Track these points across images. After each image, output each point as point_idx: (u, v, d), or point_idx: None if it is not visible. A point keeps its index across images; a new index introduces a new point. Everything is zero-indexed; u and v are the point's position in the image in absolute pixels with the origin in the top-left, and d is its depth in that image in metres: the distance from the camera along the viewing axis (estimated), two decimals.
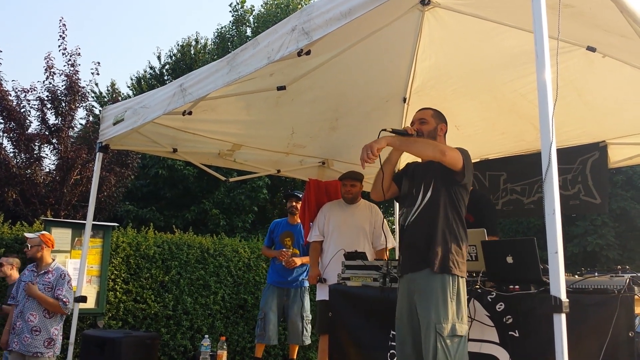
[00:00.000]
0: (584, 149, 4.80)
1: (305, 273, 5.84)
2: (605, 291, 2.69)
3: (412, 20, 3.92)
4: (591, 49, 3.46)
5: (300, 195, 5.89)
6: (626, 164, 4.96)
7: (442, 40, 4.07)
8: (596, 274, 2.93)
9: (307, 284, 5.82)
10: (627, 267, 3.10)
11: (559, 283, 1.99)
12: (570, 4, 2.69)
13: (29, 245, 4.88)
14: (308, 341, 5.75)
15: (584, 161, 4.78)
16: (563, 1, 2.28)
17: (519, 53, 3.89)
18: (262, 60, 3.01)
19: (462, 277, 2.86)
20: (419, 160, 3.26)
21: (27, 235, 5.00)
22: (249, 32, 18.02)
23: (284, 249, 5.72)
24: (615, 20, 2.79)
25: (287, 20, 2.92)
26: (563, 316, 1.97)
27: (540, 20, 2.12)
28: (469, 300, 3.01)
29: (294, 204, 5.87)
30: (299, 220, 5.91)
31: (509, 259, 2.90)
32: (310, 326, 5.77)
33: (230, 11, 18.32)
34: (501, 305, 2.89)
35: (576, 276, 2.96)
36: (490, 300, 2.95)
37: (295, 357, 5.84)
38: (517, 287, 2.87)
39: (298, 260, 5.67)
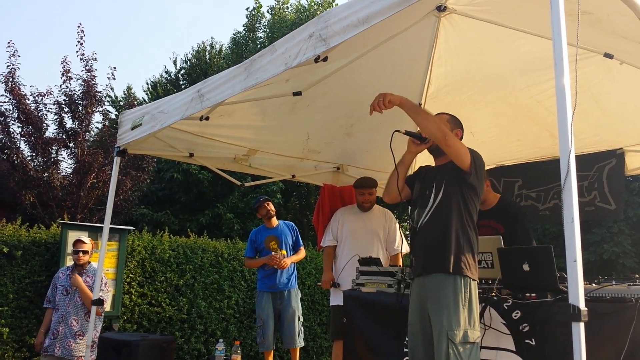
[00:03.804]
0: (600, 156, 4.77)
1: (295, 273, 5.90)
2: (623, 300, 2.67)
3: (428, 27, 3.92)
4: (608, 55, 3.44)
5: (266, 197, 5.97)
6: None
7: (458, 46, 4.07)
8: (613, 282, 2.90)
9: (297, 284, 5.88)
10: None
11: (578, 291, 1.98)
12: (588, 10, 2.68)
13: (84, 251, 5.02)
14: (302, 343, 5.71)
15: (600, 168, 4.74)
16: (581, 8, 2.28)
17: (535, 59, 3.88)
18: (279, 66, 3.03)
19: (473, 280, 2.85)
20: (432, 164, 3.28)
21: (82, 239, 5.10)
22: (261, 36, 18.08)
23: (273, 253, 5.69)
24: (633, 27, 2.78)
25: (305, 27, 2.93)
26: (581, 325, 1.96)
27: (559, 27, 2.11)
28: (484, 308, 3.00)
29: (268, 207, 5.86)
30: (276, 223, 5.93)
31: (526, 267, 2.88)
32: (303, 328, 5.78)
33: (246, 16, 18.42)
34: (517, 313, 2.88)
35: (593, 284, 2.94)
36: (506, 308, 2.93)
37: None
38: (533, 295, 2.85)
39: (289, 260, 5.70)
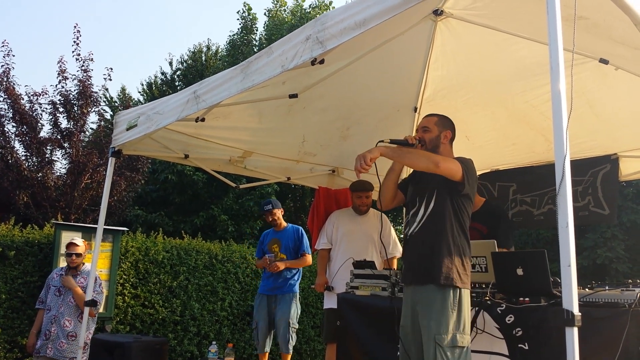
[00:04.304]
0: (595, 161, 4.78)
1: (295, 279, 5.72)
2: (616, 305, 2.67)
3: (425, 30, 3.93)
4: (604, 61, 3.45)
5: (272, 202, 5.81)
6: (637, 177, 4.93)
7: (454, 50, 4.07)
8: (607, 287, 2.91)
9: (296, 290, 5.71)
10: (638, 280, 3.08)
11: (572, 296, 1.98)
12: (584, 15, 2.69)
13: (77, 254, 4.99)
14: (289, 351, 5.53)
15: (595, 173, 4.76)
16: (577, 13, 2.28)
17: (531, 64, 3.89)
18: (276, 68, 3.03)
19: (465, 288, 2.86)
20: None
21: (75, 241, 5.05)
22: (256, 40, 18.06)
23: (266, 255, 5.66)
24: (628, 32, 2.79)
25: (301, 30, 2.93)
26: (575, 330, 1.96)
27: (556, 33, 2.12)
28: (478, 312, 3.00)
29: (273, 217, 5.75)
30: (284, 226, 5.83)
31: (519, 271, 2.89)
32: (295, 336, 5.60)
33: (238, 19, 18.36)
34: (511, 317, 2.88)
35: (587, 289, 2.95)
36: (499, 312, 2.94)
37: None
38: (527, 299, 2.86)
39: (281, 265, 5.53)
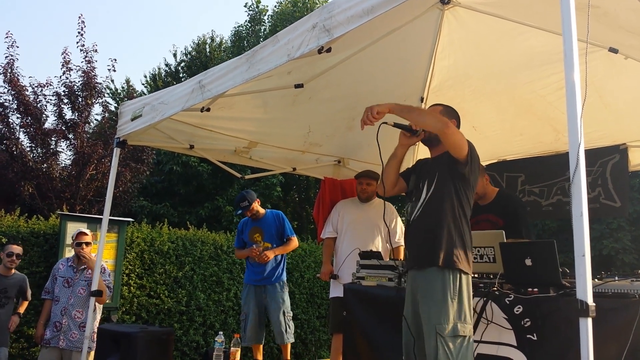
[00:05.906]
0: (604, 151, 4.75)
1: (282, 266, 5.61)
2: (626, 295, 2.64)
3: (432, 19, 3.89)
4: (613, 50, 3.41)
5: (247, 199, 5.57)
6: None
7: (462, 39, 4.03)
8: (616, 278, 2.89)
9: (284, 277, 5.61)
10: None
11: (586, 286, 1.96)
12: (595, 4, 2.65)
13: (87, 243, 4.97)
14: (292, 339, 5.47)
15: (604, 164, 4.72)
16: (589, 1, 2.25)
17: (539, 54, 3.85)
18: (281, 57, 3.00)
19: (465, 273, 2.82)
20: (428, 156, 3.23)
21: (84, 231, 5.03)
22: (263, 31, 18.00)
23: (254, 246, 5.53)
24: (638, 21, 2.75)
25: (308, 18, 2.90)
26: (589, 320, 1.94)
27: (569, 21, 2.08)
28: (486, 303, 2.98)
29: (252, 210, 5.59)
30: (263, 213, 5.68)
31: (528, 262, 2.87)
32: (293, 323, 5.52)
33: (245, 11, 18.28)
34: (519, 308, 2.86)
35: (596, 280, 2.93)
36: (508, 302, 2.91)
37: (289, 357, 5.55)
38: (535, 289, 2.83)
39: (270, 254, 5.41)
